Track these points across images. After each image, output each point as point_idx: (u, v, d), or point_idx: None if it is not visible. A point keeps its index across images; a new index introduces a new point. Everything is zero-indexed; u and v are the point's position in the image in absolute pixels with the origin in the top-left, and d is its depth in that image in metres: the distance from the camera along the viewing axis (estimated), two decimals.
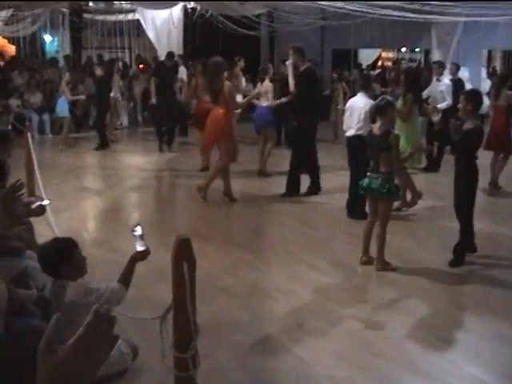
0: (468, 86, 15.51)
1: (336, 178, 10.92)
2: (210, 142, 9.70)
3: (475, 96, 7.02)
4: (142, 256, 4.06)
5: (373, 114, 6.65)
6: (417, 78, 9.59)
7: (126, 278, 4.08)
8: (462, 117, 6.80)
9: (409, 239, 7.69)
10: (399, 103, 8.81)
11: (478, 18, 13.69)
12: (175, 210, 9.06)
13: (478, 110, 6.95)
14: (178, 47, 19.43)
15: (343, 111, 15.13)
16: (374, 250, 6.67)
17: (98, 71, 14.63)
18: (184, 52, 20.02)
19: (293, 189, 9.94)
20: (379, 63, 24.56)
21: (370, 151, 6.73)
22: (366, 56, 23.43)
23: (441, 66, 13.10)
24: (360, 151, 8.00)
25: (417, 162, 9.15)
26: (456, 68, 13.64)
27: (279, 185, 10.35)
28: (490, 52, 17.05)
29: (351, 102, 8.59)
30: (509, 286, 6.36)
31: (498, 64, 18.12)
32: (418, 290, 6.21)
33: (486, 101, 12.46)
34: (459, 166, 6.74)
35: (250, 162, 11.79)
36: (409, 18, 13.24)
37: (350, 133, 8.47)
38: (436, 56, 16.69)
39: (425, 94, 11.76)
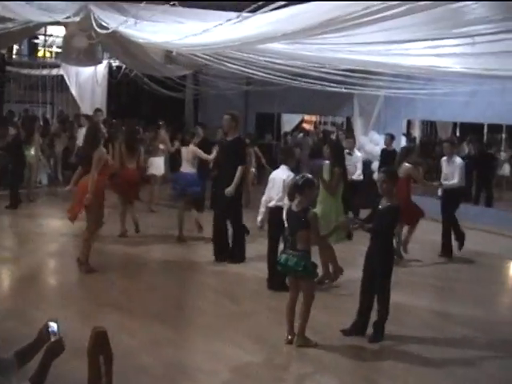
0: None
1: (257, 246, 10.95)
2: (79, 208, 9.11)
3: (395, 176, 7.18)
4: (57, 349, 3.35)
5: (291, 192, 6.66)
6: (342, 151, 9.76)
7: (40, 378, 3.26)
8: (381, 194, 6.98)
9: (330, 314, 7.68)
10: (326, 176, 8.89)
11: (398, 91, 14.09)
12: (95, 279, 8.79)
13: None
14: (101, 105, 19.32)
15: (254, 174, 15.53)
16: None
17: (12, 131, 14.40)
18: (107, 110, 19.94)
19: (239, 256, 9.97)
20: (302, 126, 25.01)
21: (288, 227, 6.71)
22: (289, 120, 23.80)
23: (354, 141, 13.49)
24: (281, 222, 8.10)
25: (341, 236, 9.18)
26: (391, 139, 14.01)
27: (200, 251, 10.33)
28: (409, 120, 17.53)
29: (274, 174, 8.66)
30: (426, 362, 6.42)
31: (416, 132, 18.69)
32: (337, 368, 6.22)
33: None
34: (376, 242, 6.83)
35: (169, 228, 11.75)
36: (331, 87, 13.51)
37: (271, 204, 8.53)
38: (357, 124, 17.11)
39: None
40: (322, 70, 11.21)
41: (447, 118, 15.62)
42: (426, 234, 11.49)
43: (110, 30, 8.49)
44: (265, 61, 10.20)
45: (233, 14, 6.47)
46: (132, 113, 19.60)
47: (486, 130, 15.34)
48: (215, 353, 6.36)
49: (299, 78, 12.99)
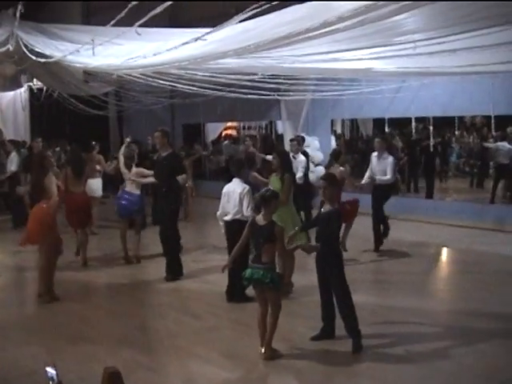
0: (319, 155, 16.31)
1: (203, 259, 11.03)
2: (34, 239, 8.94)
3: (336, 181, 7.32)
4: None
5: (258, 204, 6.72)
6: (288, 156, 9.89)
7: None
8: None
9: (295, 320, 7.74)
10: (276, 185, 8.91)
11: (324, 94, 14.35)
12: (51, 310, 8.59)
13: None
14: (24, 128, 18.94)
15: (192, 188, 15.53)
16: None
17: None
18: (31, 133, 19.51)
19: (177, 271, 9.91)
20: (227, 133, 25.10)
21: (253, 241, 6.68)
22: (214, 129, 23.86)
23: (299, 143, 13.59)
24: (239, 236, 8.13)
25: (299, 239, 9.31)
26: (302, 140, 14.11)
27: (149, 270, 10.30)
28: (331, 119, 17.81)
29: (227, 187, 8.69)
30: (401, 359, 6.57)
31: (339, 130, 19.05)
32: (316, 376, 6.28)
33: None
34: (323, 247, 6.93)
35: (113, 249, 11.62)
36: (257, 95, 13.62)
37: (228, 217, 8.56)
38: (286, 127, 17.30)
39: None
40: (248, 78, 11.33)
41: (375, 114, 16.01)
42: (361, 230, 11.71)
43: (54, 59, 8.32)
44: (186, 73, 10.23)
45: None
46: (55, 134, 19.20)
47: (413, 124, 15.82)
48: (192, 374, 6.33)
49: (225, 88, 13.06)
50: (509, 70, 9.62)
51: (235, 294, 8.60)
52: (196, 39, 5.79)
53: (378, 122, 17.30)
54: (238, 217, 8.42)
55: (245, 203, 8.40)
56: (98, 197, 13.96)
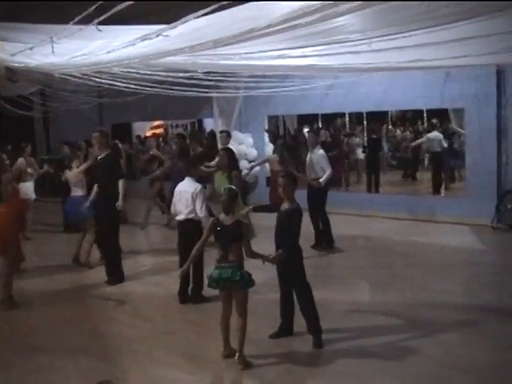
0: (253, 152, 16.35)
1: (147, 261, 10.88)
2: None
3: (294, 178, 7.30)
4: None
5: (229, 204, 6.50)
6: (234, 154, 9.87)
7: None
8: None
9: (254, 320, 7.65)
10: (222, 183, 8.84)
11: (255, 92, 14.34)
12: None
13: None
14: None
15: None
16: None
17: None
18: None
19: (118, 276, 9.73)
20: (151, 132, 24.81)
21: (218, 241, 6.50)
22: (142, 127, 23.54)
23: (228, 135, 13.59)
24: (191, 236, 8.09)
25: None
26: (228, 136, 13.96)
27: (95, 274, 10.11)
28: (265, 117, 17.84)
29: (180, 186, 8.57)
30: (366, 353, 6.61)
31: (266, 126, 19.06)
32: (281, 376, 6.26)
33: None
34: (283, 245, 6.88)
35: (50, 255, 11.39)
36: (187, 92, 13.49)
37: (180, 217, 8.45)
38: (218, 124, 17.20)
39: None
40: (180, 75, 11.19)
41: (308, 110, 16.09)
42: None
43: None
44: (121, 71, 10.03)
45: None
46: None
47: (347, 119, 16.03)
48: (156, 379, 6.20)
49: (158, 85, 12.86)
50: (454, 65, 9.94)
51: (192, 294, 8.49)
52: (157, 35, 5.65)
53: (304, 118, 17.45)
54: (191, 216, 8.33)
55: (198, 203, 8.30)
56: (32, 200, 13.51)
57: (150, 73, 10.57)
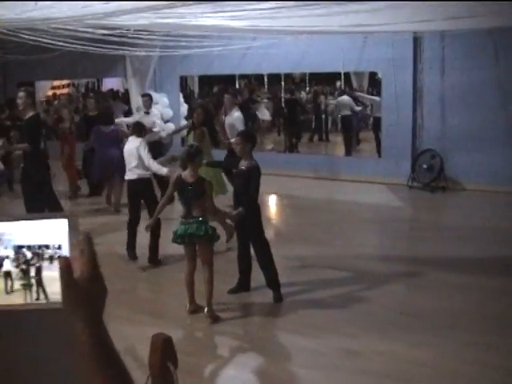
0: (168, 112, 16.28)
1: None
2: None
3: (252, 136, 7.45)
4: None
5: (184, 161, 6.65)
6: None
7: None
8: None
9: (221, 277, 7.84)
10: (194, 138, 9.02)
11: (171, 52, 14.24)
12: None
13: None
14: None
15: None
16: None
17: None
18: None
19: None
20: (51, 93, 24.08)
21: (181, 198, 6.65)
22: (42, 86, 22.79)
23: (151, 98, 13.49)
24: (141, 194, 8.16)
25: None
26: (150, 99, 13.72)
27: None
28: (185, 78, 17.75)
29: (126, 146, 8.59)
30: (323, 304, 6.97)
31: (195, 88, 19.00)
32: (248, 327, 6.50)
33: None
34: (242, 203, 7.03)
35: None
36: (96, 50, 13.23)
37: (131, 176, 8.49)
38: (132, 84, 16.95)
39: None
40: (90, 31, 10.97)
41: (225, 71, 16.13)
42: None
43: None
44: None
45: None
46: None
47: (266, 80, 16.22)
48: (127, 336, 6.18)
49: (75, 41, 12.52)
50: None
51: (150, 255, 8.49)
52: None
53: (203, 79, 17.54)
54: (139, 171, 8.38)
55: (143, 154, 8.33)
56: None
57: (79, 29, 10.35)
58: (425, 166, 13.05)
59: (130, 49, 14.35)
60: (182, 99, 17.13)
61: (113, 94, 20.34)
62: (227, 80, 16.69)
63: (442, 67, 12.98)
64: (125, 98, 17.97)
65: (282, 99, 16.37)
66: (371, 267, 8.24)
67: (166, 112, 16.50)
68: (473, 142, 12.55)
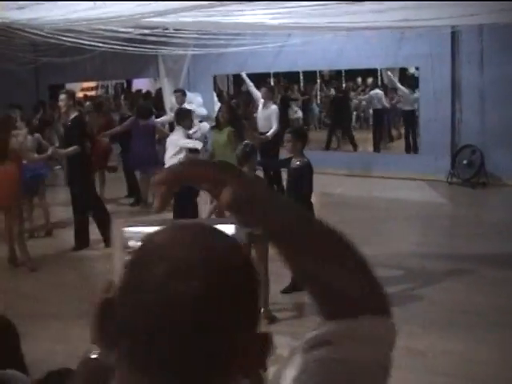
0: (202, 111, 16.23)
1: None
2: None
3: (304, 134, 7.41)
4: None
5: (242, 160, 6.59)
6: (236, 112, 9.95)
7: None
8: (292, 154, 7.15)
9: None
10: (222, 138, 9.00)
11: (204, 50, 14.22)
12: None
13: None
14: None
15: None
16: None
17: None
18: None
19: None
20: (83, 94, 24.18)
21: None
22: (73, 88, 22.86)
23: (184, 94, 13.50)
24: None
25: None
26: (183, 95, 13.68)
27: None
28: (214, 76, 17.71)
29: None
30: None
31: (226, 87, 18.99)
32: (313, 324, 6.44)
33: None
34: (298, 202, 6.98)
35: None
36: (131, 50, 13.26)
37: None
38: (165, 84, 16.96)
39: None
40: (122, 30, 11.00)
41: (260, 69, 16.04)
42: None
43: None
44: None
45: None
46: None
47: (302, 77, 16.16)
48: None
49: (103, 41, 12.53)
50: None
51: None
52: None
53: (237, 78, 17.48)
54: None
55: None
56: None
57: (120, 29, 10.41)
58: (465, 162, 12.92)
59: (165, 48, 14.42)
60: (215, 98, 17.10)
61: (144, 94, 20.33)
62: (259, 78, 16.62)
63: (480, 61, 12.84)
64: (157, 98, 18.00)
65: (318, 97, 16.30)
66: (419, 264, 8.15)
67: (200, 111, 16.49)
68: None
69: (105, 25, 8.68)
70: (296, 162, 7.00)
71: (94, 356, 1.24)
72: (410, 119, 14.90)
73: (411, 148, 14.96)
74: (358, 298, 1.09)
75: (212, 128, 10.08)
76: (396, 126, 16.97)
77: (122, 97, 19.07)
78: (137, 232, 1.19)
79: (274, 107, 11.63)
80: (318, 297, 1.12)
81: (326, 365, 1.03)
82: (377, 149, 15.48)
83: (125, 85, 23.15)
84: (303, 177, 6.91)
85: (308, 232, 1.10)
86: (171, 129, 11.53)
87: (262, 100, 11.95)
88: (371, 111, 16.52)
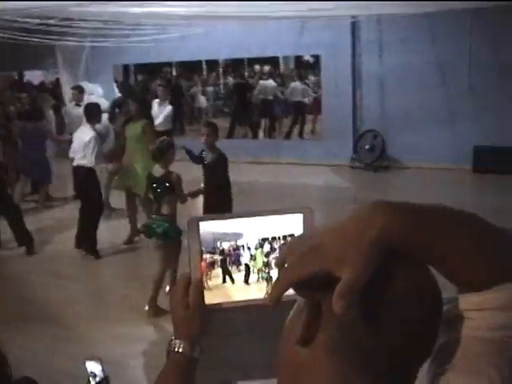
0: (104, 102, 15.98)
1: None
2: None
3: (216, 128, 7.52)
4: None
5: (157, 155, 6.54)
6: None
7: None
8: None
9: None
10: (137, 132, 8.90)
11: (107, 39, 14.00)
12: None
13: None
14: None
15: None
16: None
17: None
18: None
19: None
20: None
21: (152, 194, 6.57)
22: None
23: (81, 91, 13.21)
24: (85, 182, 8.39)
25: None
26: (80, 92, 13.20)
27: None
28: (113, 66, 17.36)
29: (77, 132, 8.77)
30: None
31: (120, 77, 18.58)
32: None
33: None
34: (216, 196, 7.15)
35: None
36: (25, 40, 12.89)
37: (74, 163, 8.50)
38: (63, 75, 16.58)
39: None
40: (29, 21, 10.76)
41: (161, 58, 15.92)
42: None
43: None
44: None
45: None
46: None
47: (204, 66, 16.12)
48: (118, 336, 6.25)
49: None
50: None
51: (85, 242, 8.50)
52: None
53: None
54: (82, 162, 8.27)
55: (89, 150, 8.26)
56: None
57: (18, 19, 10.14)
58: (367, 147, 13.40)
59: (63, 38, 14.04)
60: (116, 89, 16.86)
61: (37, 87, 19.56)
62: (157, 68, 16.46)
63: (379, 50, 13.32)
64: (54, 90, 17.49)
65: (221, 85, 16.32)
66: None
67: (101, 102, 16.23)
68: (412, 122, 12.97)
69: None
70: (209, 156, 7.16)
71: (179, 350, 1.32)
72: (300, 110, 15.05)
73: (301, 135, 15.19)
74: None
75: (126, 121, 9.86)
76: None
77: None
78: (222, 233, 1.25)
79: (169, 107, 11.74)
80: None
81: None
82: (279, 136, 15.64)
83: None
84: (220, 169, 7.07)
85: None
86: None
87: (157, 100, 11.97)
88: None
